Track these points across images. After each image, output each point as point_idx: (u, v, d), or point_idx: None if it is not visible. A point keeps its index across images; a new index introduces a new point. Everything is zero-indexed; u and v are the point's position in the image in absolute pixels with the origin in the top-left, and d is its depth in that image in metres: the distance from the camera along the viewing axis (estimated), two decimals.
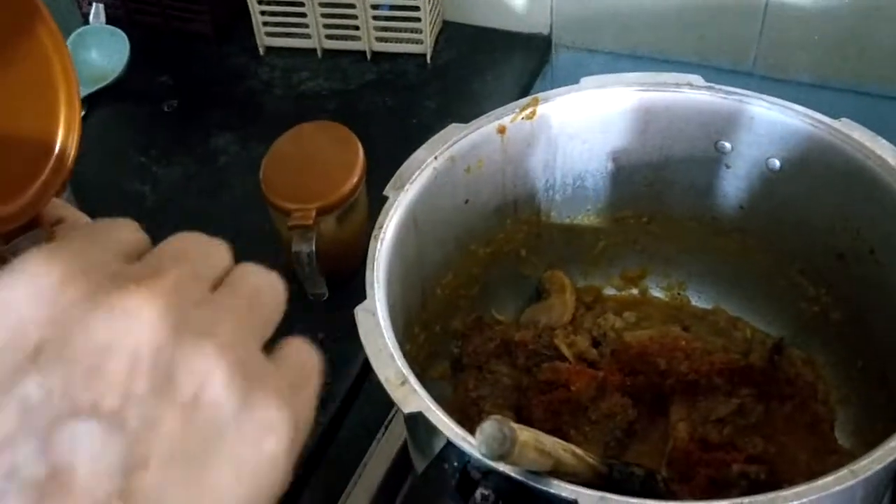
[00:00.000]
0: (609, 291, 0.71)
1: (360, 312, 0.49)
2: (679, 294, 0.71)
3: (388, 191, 0.56)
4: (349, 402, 0.72)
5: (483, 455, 0.33)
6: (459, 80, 0.96)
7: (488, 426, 0.33)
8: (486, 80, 0.95)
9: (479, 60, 0.98)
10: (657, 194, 0.66)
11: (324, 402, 0.70)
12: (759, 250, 0.66)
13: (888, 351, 0.57)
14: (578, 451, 0.48)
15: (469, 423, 0.45)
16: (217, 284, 0.26)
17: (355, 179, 0.73)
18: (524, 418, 0.61)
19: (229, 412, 0.23)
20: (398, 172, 0.57)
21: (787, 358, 0.64)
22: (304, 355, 0.27)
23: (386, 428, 0.71)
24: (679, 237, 0.68)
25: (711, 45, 0.91)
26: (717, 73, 0.91)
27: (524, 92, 0.92)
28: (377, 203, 0.57)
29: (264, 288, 0.26)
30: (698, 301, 0.70)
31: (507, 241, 0.67)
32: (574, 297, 0.69)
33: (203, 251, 0.26)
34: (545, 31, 0.96)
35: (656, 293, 0.71)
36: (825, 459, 0.59)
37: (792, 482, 0.46)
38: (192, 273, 0.25)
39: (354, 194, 0.73)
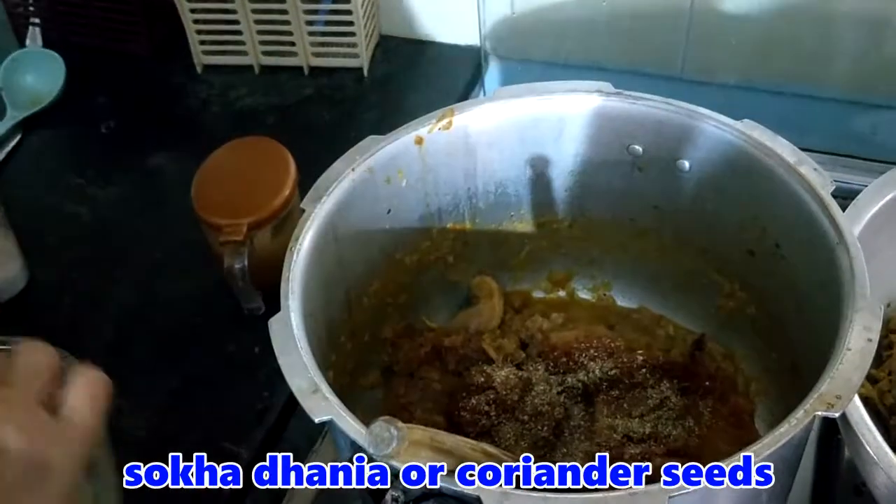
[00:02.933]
0: (538, 294, 0.73)
1: (273, 324, 0.50)
2: (605, 294, 0.72)
3: (304, 203, 0.57)
4: (288, 414, 0.72)
5: (372, 454, 0.34)
6: (396, 92, 0.97)
7: (376, 426, 0.34)
8: (423, 93, 0.97)
9: (416, 73, 0.99)
10: (577, 198, 0.68)
11: (263, 413, 0.71)
12: (676, 249, 0.67)
13: (797, 341, 0.59)
14: (491, 449, 0.50)
15: None
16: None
17: (287, 193, 0.74)
18: (454, 422, 0.62)
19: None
20: (315, 185, 0.58)
21: (707, 353, 0.66)
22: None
23: (323, 438, 0.72)
24: (601, 239, 0.70)
25: (641, 52, 0.93)
26: (648, 79, 0.93)
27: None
28: None
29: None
30: (623, 301, 0.72)
31: (434, 249, 0.68)
32: (502, 302, 0.70)
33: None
34: (478, 43, 0.98)
35: (583, 294, 0.73)
36: None
37: None
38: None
39: (286, 208, 0.74)
